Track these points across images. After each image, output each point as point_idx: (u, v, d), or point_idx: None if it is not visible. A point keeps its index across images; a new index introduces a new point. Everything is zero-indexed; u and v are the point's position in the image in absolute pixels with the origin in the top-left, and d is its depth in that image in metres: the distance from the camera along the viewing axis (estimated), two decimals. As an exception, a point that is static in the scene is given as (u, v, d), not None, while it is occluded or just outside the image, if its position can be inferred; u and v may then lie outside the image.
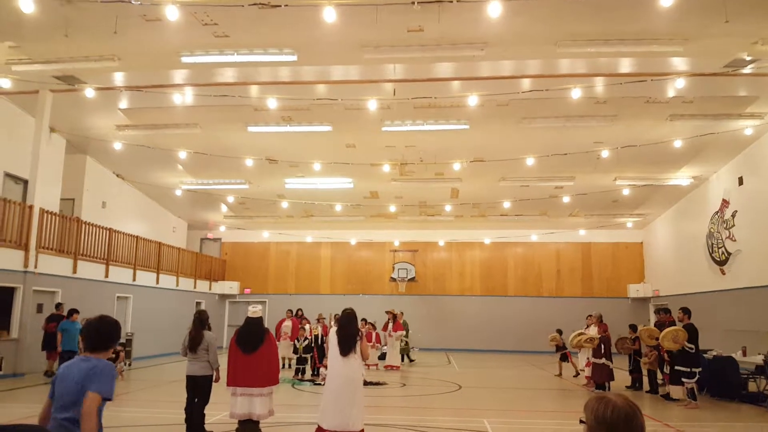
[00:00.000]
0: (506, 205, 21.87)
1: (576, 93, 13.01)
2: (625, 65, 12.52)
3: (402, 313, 19.44)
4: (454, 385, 14.11)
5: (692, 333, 11.19)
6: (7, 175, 15.56)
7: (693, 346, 11.10)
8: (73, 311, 13.93)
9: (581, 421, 2.13)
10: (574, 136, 16.03)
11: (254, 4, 9.73)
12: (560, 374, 16.27)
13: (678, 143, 15.80)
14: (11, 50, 12.15)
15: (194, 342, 7.93)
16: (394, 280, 25.73)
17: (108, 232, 17.96)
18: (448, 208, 22.86)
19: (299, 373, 15.16)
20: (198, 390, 7.94)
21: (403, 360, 18.94)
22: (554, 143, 16.41)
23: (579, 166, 17.79)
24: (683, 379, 11.16)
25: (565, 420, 9.70)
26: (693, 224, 20.04)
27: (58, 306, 14.81)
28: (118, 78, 13.88)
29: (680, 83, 12.86)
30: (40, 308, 14.89)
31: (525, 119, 14.94)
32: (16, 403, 10.63)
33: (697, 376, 11.08)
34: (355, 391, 7.10)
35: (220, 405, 8.52)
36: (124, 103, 15.51)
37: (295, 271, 27.04)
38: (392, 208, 23.21)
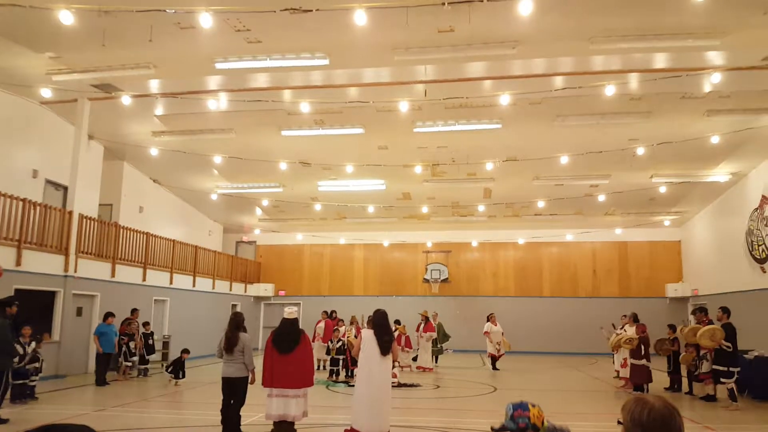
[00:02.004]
0: (540, 204, 21.62)
1: (610, 90, 12.79)
2: (660, 60, 12.26)
3: (436, 314, 19.35)
4: (489, 387, 14.02)
5: (730, 332, 10.98)
6: (48, 181, 16.02)
7: (730, 345, 10.88)
8: (109, 314, 14.31)
9: (619, 422, 2.11)
10: (609, 134, 15.78)
11: (286, 10, 9.83)
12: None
13: (715, 139, 15.41)
14: (51, 61, 12.54)
15: (230, 344, 8.03)
16: (427, 281, 25.68)
17: (145, 236, 18.32)
18: (481, 208, 22.72)
19: (333, 375, 15.25)
20: (234, 391, 8.03)
21: (437, 361, 18.75)
22: (589, 141, 16.17)
23: (614, 163, 17.48)
24: (722, 379, 10.96)
25: (602, 422, 9.55)
26: (732, 221, 19.52)
27: (134, 311, 15.45)
28: (154, 85, 14.17)
29: (717, 78, 12.52)
30: (79, 312, 15.28)
31: (558, 117, 14.76)
32: (58, 403, 10.93)
33: (736, 376, 10.84)
34: (388, 393, 7.14)
35: (255, 406, 8.62)
36: (159, 110, 15.84)
37: (328, 272, 27.19)
38: (424, 209, 23.17)
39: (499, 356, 18.12)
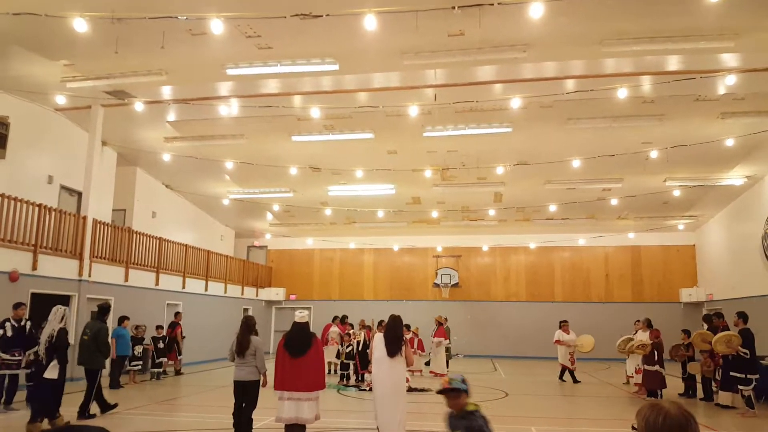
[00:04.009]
0: (552, 208, 21.51)
1: (622, 92, 12.71)
2: (673, 63, 12.17)
3: (446, 318, 19.24)
4: (500, 392, 13.94)
5: (747, 338, 10.81)
6: (63, 187, 16.19)
7: (748, 351, 10.71)
8: (124, 318, 14.45)
9: (633, 428, 2.08)
10: (622, 137, 15.67)
11: (296, 15, 9.88)
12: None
13: (730, 142, 15.27)
14: (66, 68, 12.70)
15: (242, 347, 8.05)
16: (437, 285, 25.61)
17: (158, 241, 18.45)
18: (491, 212, 22.64)
19: (344, 379, 15.23)
20: (246, 395, 8.05)
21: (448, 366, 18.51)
22: (601, 144, 16.07)
23: (627, 167, 17.36)
24: (739, 386, 10.79)
25: (615, 428, 9.46)
26: (747, 225, 19.32)
27: (177, 314, 16.29)
28: (166, 91, 14.28)
29: (731, 80, 12.40)
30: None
31: (570, 120, 14.69)
32: (73, 406, 10.98)
33: (754, 383, 10.68)
34: (396, 395, 7.21)
35: (267, 410, 8.63)
36: (171, 116, 15.96)
37: (338, 277, 27.22)
38: (435, 214, 23.13)
39: (573, 367, 16.47)
